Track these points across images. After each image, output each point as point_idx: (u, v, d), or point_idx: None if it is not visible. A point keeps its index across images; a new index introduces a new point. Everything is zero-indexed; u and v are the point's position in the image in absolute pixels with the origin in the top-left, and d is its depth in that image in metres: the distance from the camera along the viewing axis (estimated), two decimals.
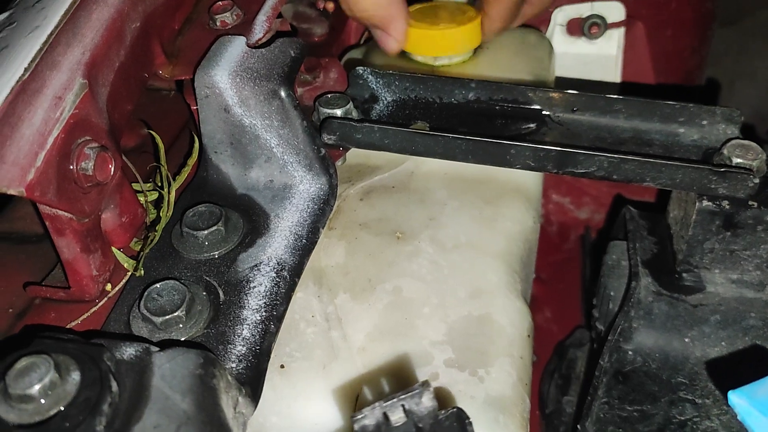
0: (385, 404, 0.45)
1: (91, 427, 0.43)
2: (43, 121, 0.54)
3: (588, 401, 0.72)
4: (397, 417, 0.45)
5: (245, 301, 0.60)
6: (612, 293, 0.79)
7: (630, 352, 0.72)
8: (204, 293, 0.60)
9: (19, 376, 0.44)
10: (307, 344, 0.67)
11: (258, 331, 0.58)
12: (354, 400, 0.64)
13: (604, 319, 0.82)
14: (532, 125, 0.79)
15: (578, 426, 0.71)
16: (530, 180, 0.86)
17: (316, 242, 0.69)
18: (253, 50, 0.71)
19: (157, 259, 0.65)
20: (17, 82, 0.54)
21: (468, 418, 0.47)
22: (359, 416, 0.45)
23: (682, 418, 0.70)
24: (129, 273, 0.64)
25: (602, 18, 1.10)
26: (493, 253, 0.77)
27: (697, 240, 0.72)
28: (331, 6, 1.04)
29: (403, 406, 0.46)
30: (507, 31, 0.97)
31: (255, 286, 0.62)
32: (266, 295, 0.61)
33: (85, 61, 0.59)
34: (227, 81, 0.68)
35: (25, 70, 0.54)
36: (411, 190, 0.84)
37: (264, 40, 0.72)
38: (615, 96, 0.77)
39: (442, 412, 0.47)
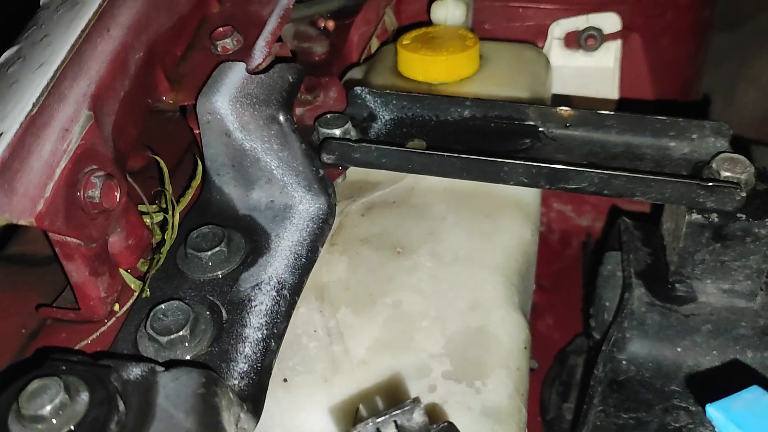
0: (378, 420, 0.48)
1: None
2: (51, 153, 0.57)
3: (584, 410, 0.74)
4: None
5: (247, 319, 0.63)
6: (607, 303, 0.81)
7: (624, 362, 0.74)
8: (208, 313, 0.63)
9: (31, 397, 0.47)
10: (310, 358, 0.70)
11: (259, 349, 0.61)
12: (354, 413, 0.66)
13: (599, 329, 0.84)
14: (527, 141, 0.81)
15: None
16: (528, 194, 0.88)
17: (315, 261, 0.71)
18: (253, 76, 0.73)
19: (162, 279, 0.67)
20: (26, 116, 0.56)
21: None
22: None
23: (677, 425, 0.71)
24: (136, 293, 0.66)
25: (599, 30, 1.12)
26: (491, 267, 0.79)
27: (688, 251, 0.73)
28: (331, 25, 1.07)
29: (395, 422, 0.48)
30: (504, 47, 1.00)
31: (256, 305, 0.64)
32: (267, 314, 0.64)
33: (91, 93, 0.62)
34: (228, 107, 0.71)
35: (33, 105, 0.57)
36: (411, 206, 0.86)
37: (264, 65, 0.75)
38: (607, 112, 0.79)
39: (434, 426, 0.49)
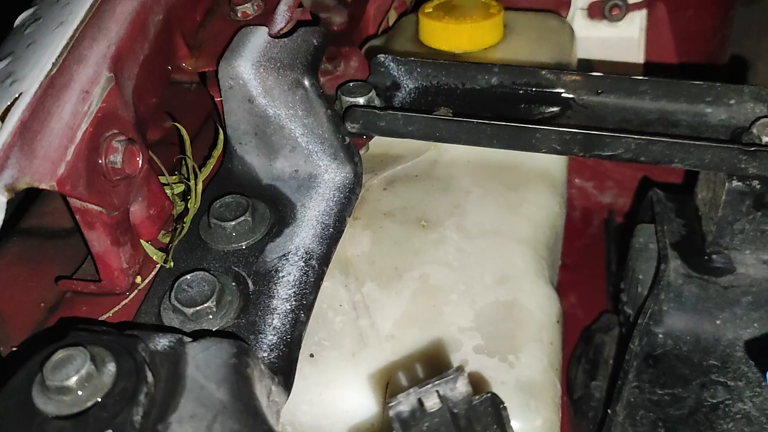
0: (420, 390, 0.45)
1: (128, 418, 0.43)
2: (71, 115, 0.54)
3: (618, 385, 0.72)
4: (432, 402, 0.45)
5: (274, 290, 0.60)
6: (641, 276, 0.79)
7: (660, 335, 0.71)
8: (233, 284, 0.60)
9: (56, 368, 0.44)
10: (336, 333, 0.67)
11: (288, 321, 0.58)
12: (384, 387, 0.64)
13: (632, 303, 0.81)
14: (556, 109, 0.79)
15: (608, 410, 0.71)
16: (554, 165, 0.86)
17: (342, 231, 0.69)
18: (276, 40, 0.70)
19: (185, 250, 0.65)
20: (45, 77, 0.54)
21: (503, 403, 0.47)
22: (394, 402, 0.45)
23: (714, 401, 0.69)
24: (158, 265, 0.64)
25: (623, 0, 1.09)
26: (520, 239, 0.77)
27: (727, 221, 0.71)
28: None
29: (437, 391, 0.45)
30: (528, 16, 0.97)
31: (284, 276, 0.62)
32: (295, 285, 0.61)
33: (111, 54, 0.59)
34: (251, 72, 0.68)
35: (53, 65, 0.55)
36: (434, 178, 0.84)
37: (286, 29, 0.72)
38: (640, 77, 0.76)
39: (476, 397, 0.47)
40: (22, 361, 0.47)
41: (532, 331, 0.68)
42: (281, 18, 0.73)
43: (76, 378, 0.44)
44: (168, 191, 0.68)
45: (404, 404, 0.45)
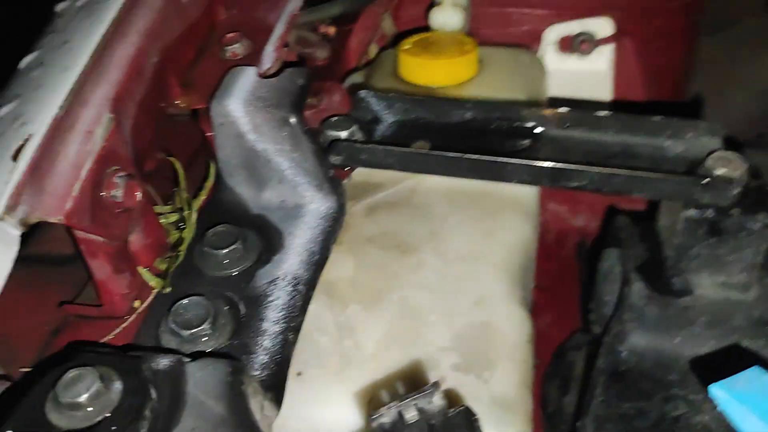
0: (400, 404, 0.50)
1: (135, 431, 0.47)
2: (76, 154, 0.59)
3: (586, 400, 0.77)
4: (411, 415, 0.50)
5: (264, 314, 0.65)
6: (606, 298, 0.84)
7: (624, 353, 0.76)
8: (226, 308, 0.65)
9: (68, 386, 0.49)
10: (322, 353, 0.72)
11: (278, 341, 0.63)
12: (367, 402, 0.68)
13: (599, 323, 0.86)
14: (526, 142, 0.84)
15: (578, 424, 0.76)
16: (527, 193, 0.91)
17: (327, 257, 0.73)
18: (264, 80, 0.76)
19: (180, 276, 0.69)
20: (53, 119, 0.58)
21: (475, 415, 0.52)
22: (376, 415, 0.50)
23: (676, 414, 0.74)
24: (155, 290, 0.68)
25: (592, 34, 1.15)
26: (494, 264, 0.82)
27: (685, 246, 0.76)
28: (332, 31, 1.09)
29: (416, 405, 0.50)
30: (501, 52, 1.03)
31: (273, 300, 0.67)
32: (284, 308, 0.66)
33: (111, 96, 0.64)
34: (241, 110, 0.73)
35: (59, 108, 0.59)
36: (413, 206, 0.89)
37: (273, 70, 0.77)
38: (604, 113, 0.82)
39: (452, 410, 0.52)
40: (33, 380, 0.51)
41: (506, 350, 0.73)
42: (268, 58, 0.78)
43: (86, 395, 0.48)
44: (162, 220, 0.73)
45: (386, 416, 0.50)
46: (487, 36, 1.15)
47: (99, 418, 0.49)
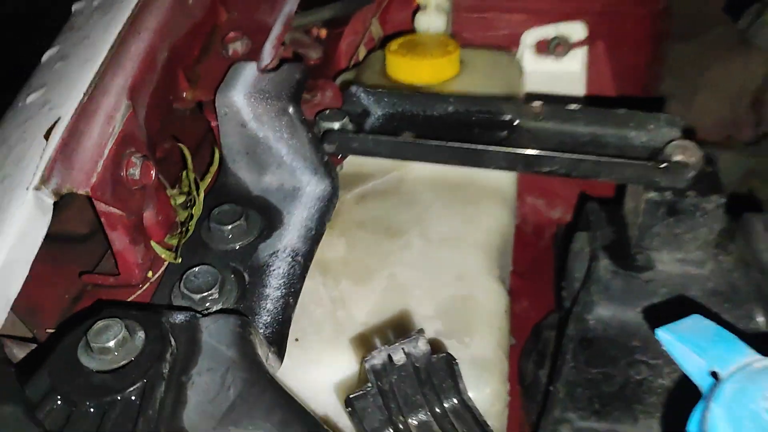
0: (389, 348, 0.57)
1: (158, 371, 0.54)
2: (99, 135, 0.66)
3: (558, 366, 0.84)
4: (399, 357, 0.57)
5: (267, 281, 0.72)
6: (576, 275, 0.92)
7: (592, 322, 0.84)
8: (232, 276, 0.72)
9: (97, 334, 0.56)
10: (317, 322, 0.79)
11: (279, 305, 0.70)
12: (360, 351, 0.76)
13: (570, 298, 0.94)
14: (504, 132, 0.92)
15: (550, 388, 0.83)
16: (505, 183, 0.99)
17: (323, 233, 0.81)
18: (264, 74, 0.83)
19: (189, 250, 0.77)
20: (78, 104, 0.65)
21: (455, 360, 0.59)
22: (369, 357, 0.57)
23: (639, 378, 0.82)
24: (167, 262, 0.75)
25: (566, 38, 1.23)
26: (474, 245, 0.90)
27: (646, 226, 0.84)
28: (323, 33, 1.17)
29: (403, 349, 0.58)
30: (481, 54, 1.11)
31: (274, 270, 0.74)
32: (285, 276, 0.73)
33: (128, 86, 0.71)
34: (243, 101, 0.80)
35: (84, 95, 0.66)
36: (400, 194, 0.96)
37: (272, 65, 0.85)
38: (575, 106, 0.89)
39: (435, 356, 0.59)
40: (61, 336, 0.58)
41: (484, 319, 0.81)
42: (267, 55, 0.86)
43: (114, 341, 0.55)
44: (171, 201, 0.80)
45: (377, 358, 0.57)
46: (469, 39, 1.23)
47: (125, 361, 0.55)
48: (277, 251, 0.76)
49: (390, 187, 0.98)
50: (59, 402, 0.54)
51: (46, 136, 0.63)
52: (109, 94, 0.69)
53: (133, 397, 0.53)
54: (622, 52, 1.27)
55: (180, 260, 0.74)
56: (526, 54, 1.26)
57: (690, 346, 0.54)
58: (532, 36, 1.25)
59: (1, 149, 0.64)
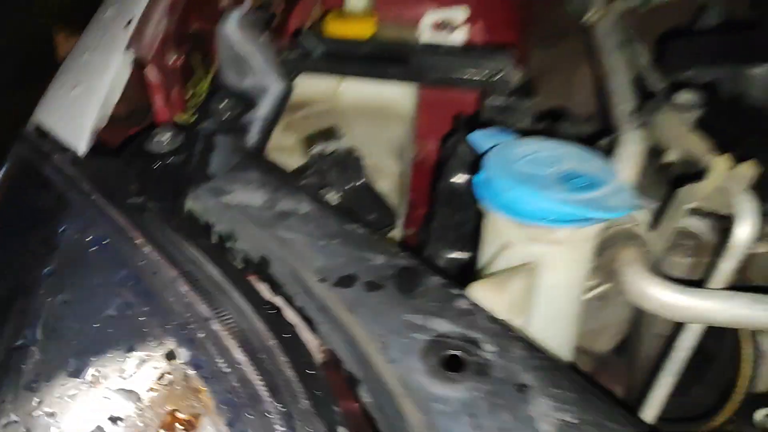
0: (322, 144, 1.03)
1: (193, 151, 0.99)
2: (155, 26, 1.11)
3: (429, 215, 1.31)
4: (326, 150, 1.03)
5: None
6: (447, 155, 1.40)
7: (453, 183, 1.31)
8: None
9: (155, 135, 1.00)
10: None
11: (259, 139, 1.16)
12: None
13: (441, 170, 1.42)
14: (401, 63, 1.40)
15: (421, 230, 1.30)
16: (406, 106, 1.47)
17: (284, 108, 1.26)
18: (244, 16, 1.29)
19: (198, 117, 1.21)
20: (144, 7, 1.10)
21: (358, 153, 1.06)
22: (310, 149, 1.03)
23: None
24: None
25: (453, 19, 1.72)
26: (384, 144, 1.37)
27: (488, 118, 1.32)
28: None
29: (330, 148, 1.04)
30: (391, 27, 1.60)
31: (251, 128, 1.19)
32: (260, 132, 1.19)
33: (168, 6, 1.16)
34: (231, 31, 1.26)
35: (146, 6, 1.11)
36: (333, 113, 1.44)
37: (250, 10, 1.31)
38: (447, 46, 1.38)
39: (348, 154, 1.06)
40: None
41: (388, 183, 1.28)
42: (246, 4, 1.32)
43: (165, 138, 1.00)
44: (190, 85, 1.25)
45: (315, 150, 1.03)
46: (386, 18, 1.71)
47: (172, 148, 1.00)
48: (256, 119, 1.21)
49: (325, 108, 1.45)
50: None
51: (126, 26, 1.07)
52: (159, 6, 1.14)
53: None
54: (494, 30, 1.77)
55: (195, 117, 1.19)
56: (426, 30, 1.74)
57: (483, 139, 1.01)
58: (430, 17, 1.74)
59: (98, 35, 1.08)
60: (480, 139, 1.03)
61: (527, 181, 0.90)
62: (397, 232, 1.33)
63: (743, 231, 0.91)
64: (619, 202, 0.87)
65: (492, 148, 0.98)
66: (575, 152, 0.95)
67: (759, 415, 1.12)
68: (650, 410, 1.01)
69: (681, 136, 1.03)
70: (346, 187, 1.02)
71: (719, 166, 0.96)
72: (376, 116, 1.43)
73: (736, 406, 1.06)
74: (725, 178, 0.95)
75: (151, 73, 1.12)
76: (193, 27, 1.27)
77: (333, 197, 1.02)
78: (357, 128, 1.39)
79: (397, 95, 1.49)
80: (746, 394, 1.05)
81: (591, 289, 1.07)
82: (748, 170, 0.94)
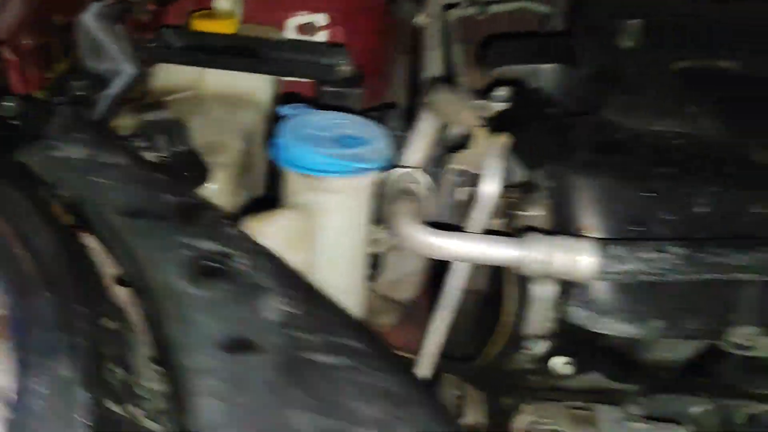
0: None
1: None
2: (13, 11, 1.26)
3: None
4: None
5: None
6: None
7: None
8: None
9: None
10: None
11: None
12: None
13: None
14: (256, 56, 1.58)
15: None
16: (264, 94, 1.65)
17: (133, 88, 1.43)
18: (103, 6, 1.45)
19: (55, 94, 1.37)
20: None
21: (185, 126, 1.22)
22: None
23: None
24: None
25: (315, 24, 1.91)
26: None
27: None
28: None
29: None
30: (255, 27, 1.78)
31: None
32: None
33: None
34: (90, 22, 1.42)
35: None
36: (194, 101, 1.61)
37: (108, 3, 1.47)
38: (294, 40, 1.56)
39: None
40: None
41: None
42: None
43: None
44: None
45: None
46: (253, 19, 1.89)
47: (16, 113, 1.15)
48: (103, 97, 1.37)
49: (190, 95, 1.62)
50: None
51: None
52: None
53: None
54: (352, 35, 1.96)
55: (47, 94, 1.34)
56: (290, 32, 1.93)
57: (289, 112, 1.19)
58: (294, 21, 1.93)
59: None
60: (287, 112, 1.22)
61: (308, 141, 1.08)
62: None
63: (488, 186, 1.10)
64: (377, 157, 1.05)
65: (289, 118, 1.17)
66: (354, 120, 1.14)
67: (557, 363, 1.29)
68: (429, 345, 1.19)
69: (457, 112, 1.23)
70: (171, 150, 1.19)
71: (480, 135, 1.15)
72: (233, 103, 1.60)
73: (501, 346, 1.24)
74: (484, 145, 1.15)
75: (6, 52, 1.27)
76: (56, 18, 1.43)
77: (154, 157, 1.19)
78: (214, 112, 1.56)
79: (253, 85, 1.67)
80: (512, 334, 1.23)
81: (386, 242, 1.26)
82: (502, 140, 1.14)
